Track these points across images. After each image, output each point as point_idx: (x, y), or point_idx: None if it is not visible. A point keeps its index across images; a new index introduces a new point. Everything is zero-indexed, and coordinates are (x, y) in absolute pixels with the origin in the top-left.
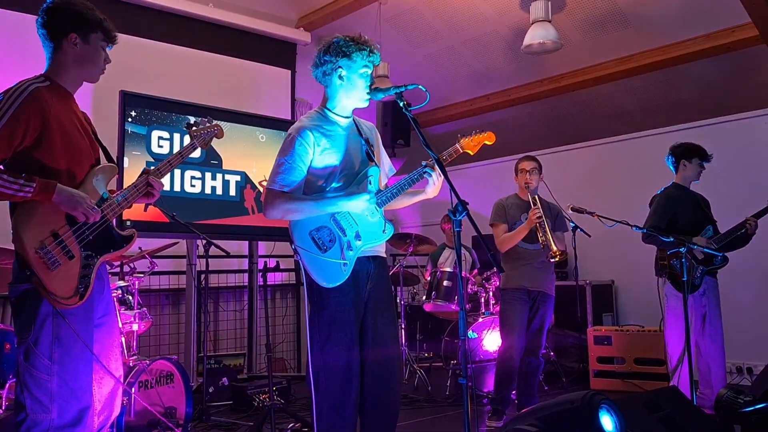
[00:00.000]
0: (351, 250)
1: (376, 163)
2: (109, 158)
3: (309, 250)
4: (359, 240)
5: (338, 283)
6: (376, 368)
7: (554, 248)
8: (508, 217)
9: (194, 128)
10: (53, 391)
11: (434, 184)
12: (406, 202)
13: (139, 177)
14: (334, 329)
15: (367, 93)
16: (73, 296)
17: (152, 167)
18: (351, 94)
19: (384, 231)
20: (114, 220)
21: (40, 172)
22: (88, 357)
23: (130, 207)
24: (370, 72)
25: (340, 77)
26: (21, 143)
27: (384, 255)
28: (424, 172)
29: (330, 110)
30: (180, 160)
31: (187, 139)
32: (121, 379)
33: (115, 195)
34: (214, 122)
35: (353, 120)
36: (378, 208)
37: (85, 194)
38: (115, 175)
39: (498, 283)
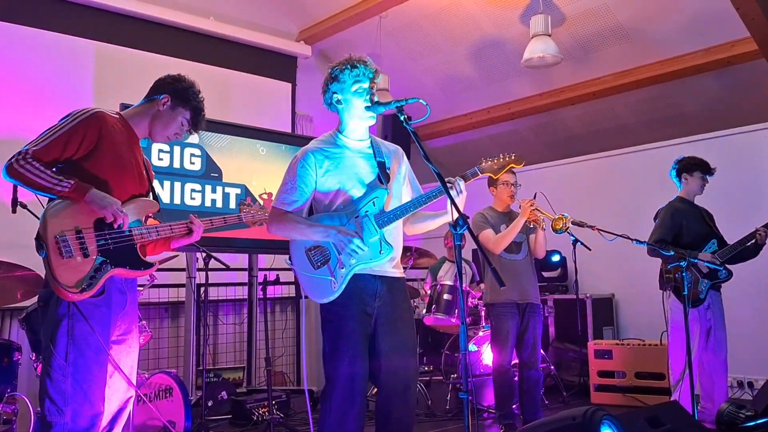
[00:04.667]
0: (344, 268)
1: (385, 186)
2: (155, 199)
3: (301, 267)
4: (353, 259)
5: (328, 299)
6: (389, 384)
7: (553, 217)
8: (491, 225)
9: (245, 206)
10: (67, 393)
11: (457, 198)
12: (431, 225)
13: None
14: (338, 342)
15: (367, 108)
16: (75, 287)
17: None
18: (353, 114)
19: (381, 252)
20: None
21: (87, 179)
22: (102, 362)
23: (159, 240)
24: (365, 87)
25: (338, 101)
26: (75, 152)
27: (397, 275)
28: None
29: (340, 133)
30: (222, 224)
31: (186, 153)
32: (131, 402)
33: (150, 225)
34: (264, 208)
35: (372, 142)
36: (378, 229)
37: (119, 203)
38: (154, 210)
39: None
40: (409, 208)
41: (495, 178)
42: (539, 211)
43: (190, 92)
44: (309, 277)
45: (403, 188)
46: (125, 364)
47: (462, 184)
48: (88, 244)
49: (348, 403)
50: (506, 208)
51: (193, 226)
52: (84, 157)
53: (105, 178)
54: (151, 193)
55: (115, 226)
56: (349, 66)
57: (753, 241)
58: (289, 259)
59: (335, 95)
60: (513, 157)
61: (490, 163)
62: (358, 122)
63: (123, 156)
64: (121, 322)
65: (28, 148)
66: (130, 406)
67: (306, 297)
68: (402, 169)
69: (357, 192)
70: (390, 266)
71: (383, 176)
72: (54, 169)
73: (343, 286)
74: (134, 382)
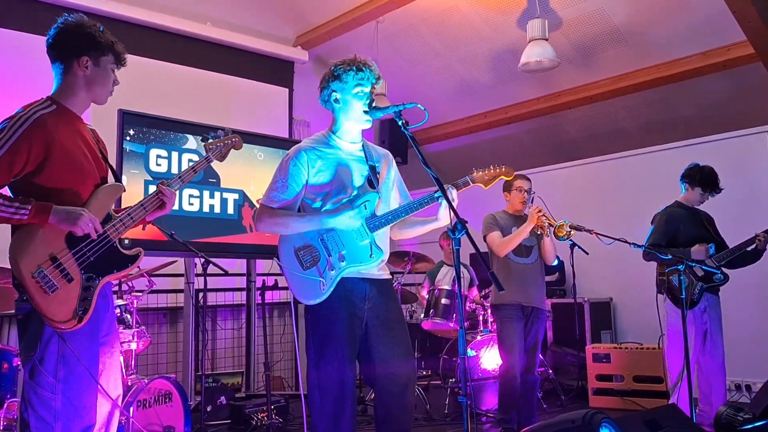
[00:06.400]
0: (333, 270)
1: (376, 190)
2: (116, 177)
3: (290, 266)
4: (343, 261)
5: (316, 301)
6: (387, 387)
7: (556, 224)
8: (501, 227)
9: (210, 141)
10: (57, 410)
11: (447, 209)
12: (419, 231)
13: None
14: (326, 347)
15: (365, 112)
16: (71, 319)
17: (165, 180)
18: (349, 116)
19: (371, 256)
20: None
21: (43, 196)
22: (93, 375)
23: (136, 224)
24: (366, 91)
25: (336, 100)
26: (22, 170)
27: (384, 277)
28: (437, 197)
29: (334, 133)
30: (193, 175)
31: (185, 159)
32: (121, 399)
33: (120, 214)
34: (232, 133)
35: (363, 145)
36: (369, 233)
37: (84, 208)
38: (120, 193)
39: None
40: (401, 213)
41: (486, 188)
42: (546, 218)
43: (97, 34)
44: (298, 277)
45: (391, 193)
46: (110, 365)
47: (454, 192)
48: (69, 268)
49: (340, 408)
50: (518, 212)
51: (165, 198)
52: (33, 172)
53: (64, 187)
54: (110, 172)
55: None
56: (354, 67)
57: (753, 246)
58: (277, 258)
59: (335, 93)
60: (503, 169)
61: (481, 173)
62: (354, 124)
63: (74, 154)
64: (104, 324)
65: None
66: (119, 403)
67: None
68: (391, 174)
69: (348, 194)
70: (377, 269)
71: (374, 180)
72: None
73: (332, 289)
74: (120, 380)
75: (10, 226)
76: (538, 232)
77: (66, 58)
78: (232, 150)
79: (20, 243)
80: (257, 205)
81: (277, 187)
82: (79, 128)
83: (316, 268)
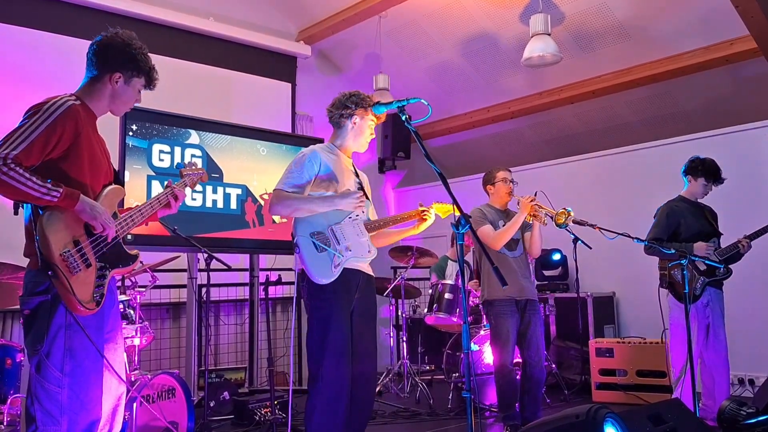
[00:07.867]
0: (342, 255)
1: (368, 197)
2: (117, 181)
3: (306, 246)
4: (349, 251)
5: (328, 281)
6: (358, 376)
7: (555, 212)
8: (489, 221)
9: (184, 168)
10: (64, 404)
11: (428, 226)
12: (395, 238)
13: (160, 192)
14: (329, 329)
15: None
16: (91, 302)
17: (175, 182)
18: (358, 140)
19: (369, 251)
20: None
21: (65, 183)
22: (99, 370)
23: (138, 224)
24: (374, 125)
25: (354, 123)
26: (49, 153)
27: (371, 273)
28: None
29: (336, 147)
30: (172, 195)
31: (187, 153)
32: (124, 397)
33: (126, 212)
34: (200, 167)
35: (352, 163)
36: (365, 232)
37: (104, 207)
38: (121, 197)
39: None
40: (389, 222)
41: (443, 217)
42: (540, 206)
43: (139, 57)
44: (314, 253)
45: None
46: (114, 361)
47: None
48: (88, 253)
49: (337, 396)
50: (504, 205)
51: (173, 200)
52: (60, 158)
53: (83, 181)
54: (114, 176)
55: (104, 234)
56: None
57: (736, 250)
58: (293, 237)
59: (356, 117)
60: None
61: (439, 205)
62: (357, 146)
63: (95, 149)
64: (110, 320)
65: (6, 152)
66: (123, 402)
67: (304, 293)
68: (369, 194)
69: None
70: (367, 265)
71: (364, 190)
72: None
73: (340, 271)
74: (123, 376)
75: (12, 219)
76: (530, 221)
77: (101, 67)
78: (233, 146)
79: (52, 222)
80: (260, 201)
81: (293, 176)
82: (96, 128)
83: (329, 251)
